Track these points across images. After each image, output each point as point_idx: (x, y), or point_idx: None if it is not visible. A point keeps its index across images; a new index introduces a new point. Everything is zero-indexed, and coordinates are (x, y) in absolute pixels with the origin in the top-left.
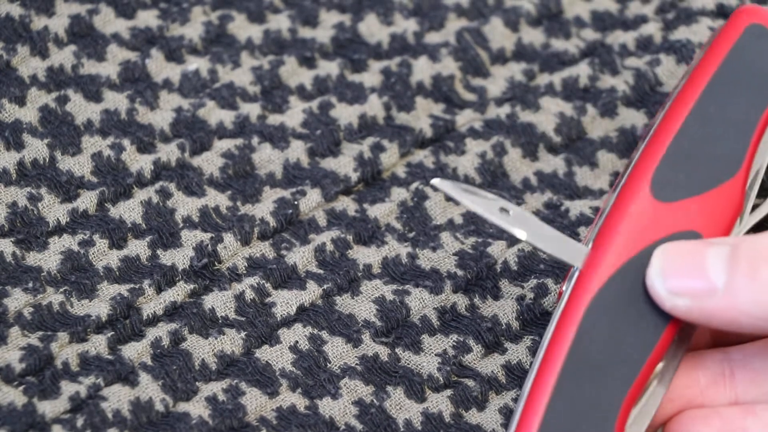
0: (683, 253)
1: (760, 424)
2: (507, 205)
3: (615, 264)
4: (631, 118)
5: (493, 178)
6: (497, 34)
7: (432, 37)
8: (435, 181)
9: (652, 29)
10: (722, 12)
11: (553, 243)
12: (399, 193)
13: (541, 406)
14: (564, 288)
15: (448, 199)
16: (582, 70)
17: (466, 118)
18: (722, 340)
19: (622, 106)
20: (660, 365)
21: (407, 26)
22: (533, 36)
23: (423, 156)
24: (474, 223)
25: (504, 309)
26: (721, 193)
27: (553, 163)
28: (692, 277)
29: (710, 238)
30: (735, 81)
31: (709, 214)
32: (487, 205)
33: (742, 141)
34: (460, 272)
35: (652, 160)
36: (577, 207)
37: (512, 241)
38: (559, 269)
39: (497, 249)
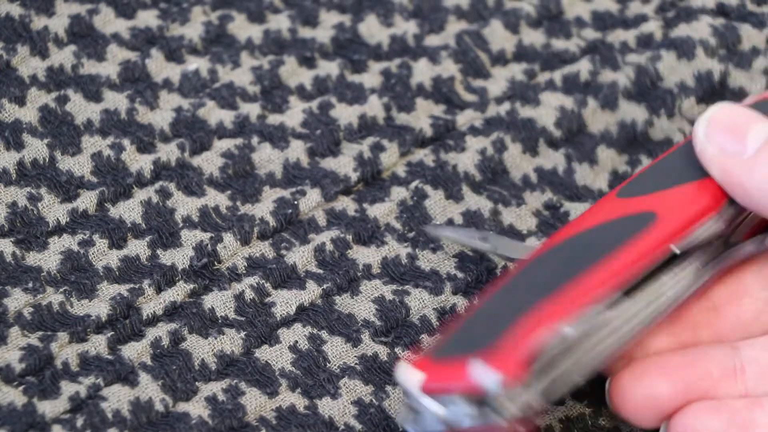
0: (735, 114)
1: (767, 415)
2: (486, 235)
3: (565, 236)
4: (632, 112)
5: (493, 174)
6: (497, 36)
7: (432, 40)
8: (428, 228)
9: (653, 27)
10: (722, 11)
11: (520, 250)
12: (399, 192)
13: (461, 321)
14: None
15: (448, 197)
16: (583, 66)
17: (466, 118)
18: (724, 334)
19: (623, 99)
20: (605, 311)
21: (407, 28)
22: (534, 37)
23: (423, 155)
24: (474, 225)
25: None
26: (687, 187)
27: (553, 159)
28: (731, 135)
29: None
30: None
31: (669, 200)
32: (471, 240)
33: None
34: (460, 274)
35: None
36: (577, 211)
37: None
38: None
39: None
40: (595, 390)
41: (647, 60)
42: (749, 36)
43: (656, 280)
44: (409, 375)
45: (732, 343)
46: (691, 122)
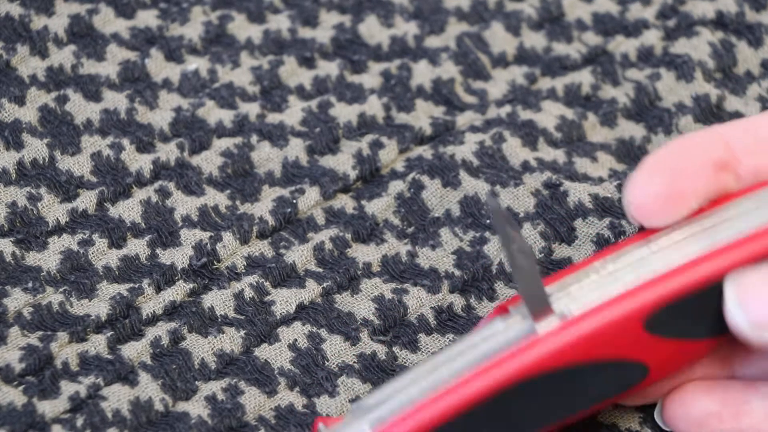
0: (760, 283)
1: (761, 398)
2: (525, 247)
3: (567, 359)
4: (630, 130)
5: (491, 160)
6: (498, 38)
7: (432, 41)
8: (489, 200)
9: (653, 38)
10: (721, 21)
11: (533, 294)
12: (396, 186)
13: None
14: (502, 320)
15: (446, 185)
16: (584, 78)
17: (466, 119)
18: None
19: (622, 117)
20: None
21: (408, 29)
22: (534, 40)
23: (422, 150)
24: (471, 215)
25: None
26: (692, 345)
27: (553, 154)
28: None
29: None
30: None
31: (668, 358)
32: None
33: None
34: (457, 272)
35: (666, 293)
36: (577, 191)
37: None
38: (549, 275)
39: (493, 248)
40: None
41: (647, 78)
42: (745, 58)
43: None
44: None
45: None
46: None
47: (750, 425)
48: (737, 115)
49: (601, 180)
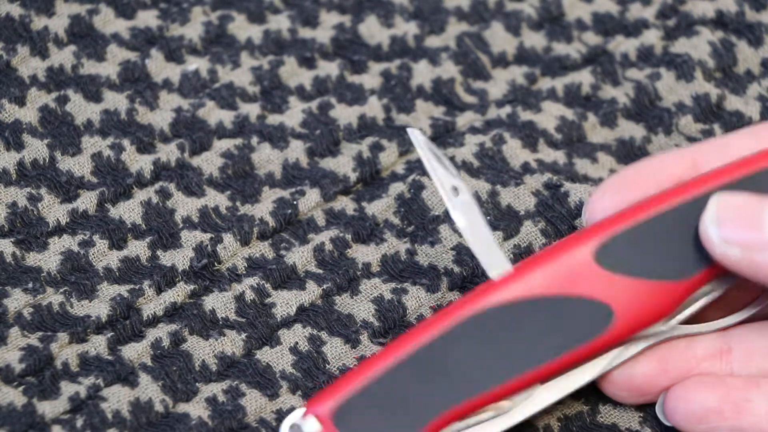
0: (740, 204)
1: (762, 396)
2: (461, 186)
3: (522, 294)
4: (630, 130)
5: (492, 161)
6: (498, 38)
7: (432, 41)
8: (410, 131)
9: (653, 38)
10: (721, 20)
11: (482, 245)
12: (396, 187)
13: (360, 382)
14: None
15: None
16: (584, 78)
17: (466, 119)
18: None
19: (622, 117)
20: (508, 403)
21: (408, 29)
22: (535, 40)
23: None
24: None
25: None
26: (657, 288)
27: (553, 155)
28: (747, 228)
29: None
30: None
31: (632, 300)
32: (443, 176)
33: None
34: (456, 269)
35: (614, 224)
36: (578, 192)
37: (508, 233)
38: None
39: None
40: (592, 388)
41: (647, 78)
42: (745, 57)
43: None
44: (309, 423)
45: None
46: (688, 138)
47: (751, 423)
48: (737, 114)
49: (601, 180)
